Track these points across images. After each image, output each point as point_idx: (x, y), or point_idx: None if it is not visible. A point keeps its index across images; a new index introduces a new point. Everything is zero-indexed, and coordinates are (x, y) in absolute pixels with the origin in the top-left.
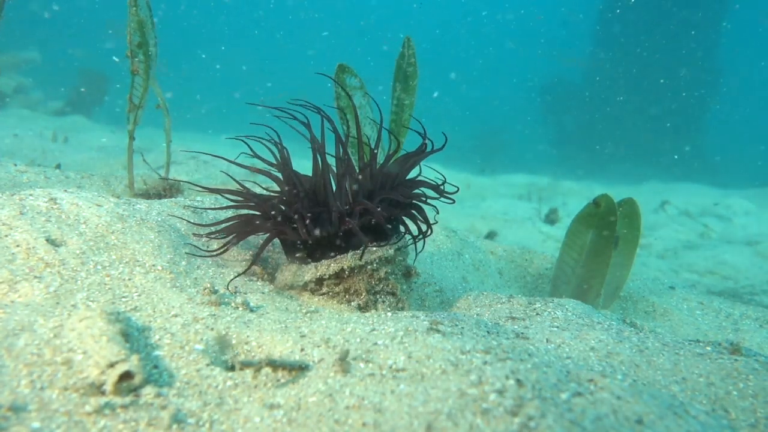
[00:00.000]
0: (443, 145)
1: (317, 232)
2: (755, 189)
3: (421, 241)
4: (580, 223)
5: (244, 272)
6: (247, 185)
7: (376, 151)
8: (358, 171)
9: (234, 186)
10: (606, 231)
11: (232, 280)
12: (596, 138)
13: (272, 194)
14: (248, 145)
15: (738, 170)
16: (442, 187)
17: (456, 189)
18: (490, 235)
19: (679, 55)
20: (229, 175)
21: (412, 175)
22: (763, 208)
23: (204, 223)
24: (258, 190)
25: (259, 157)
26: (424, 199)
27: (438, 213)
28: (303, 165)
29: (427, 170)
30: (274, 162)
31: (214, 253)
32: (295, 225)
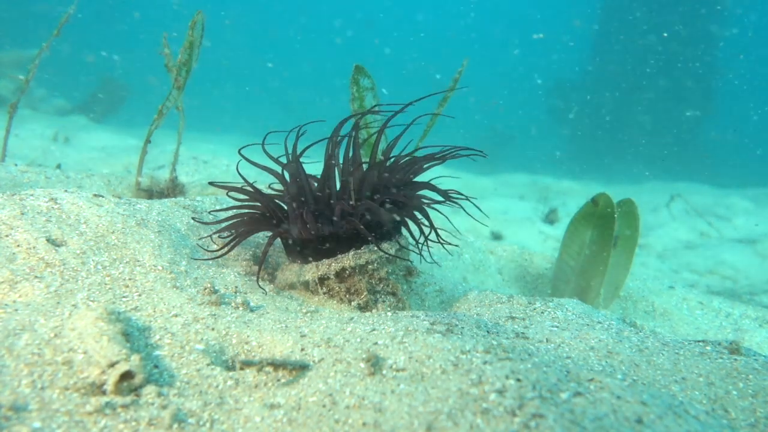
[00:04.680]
0: (451, 155)
1: (319, 230)
2: (755, 189)
3: (427, 242)
4: (579, 222)
5: (257, 273)
6: (258, 185)
7: (389, 155)
8: (365, 171)
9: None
10: (605, 230)
11: (259, 286)
12: (596, 138)
13: (278, 193)
14: (261, 145)
15: (738, 170)
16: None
17: (461, 194)
18: (497, 237)
19: (679, 55)
20: (241, 175)
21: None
22: (762, 208)
23: (206, 221)
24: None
25: (270, 157)
26: (428, 201)
27: (448, 219)
28: (313, 167)
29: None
30: (285, 162)
31: (218, 253)
32: (297, 223)
